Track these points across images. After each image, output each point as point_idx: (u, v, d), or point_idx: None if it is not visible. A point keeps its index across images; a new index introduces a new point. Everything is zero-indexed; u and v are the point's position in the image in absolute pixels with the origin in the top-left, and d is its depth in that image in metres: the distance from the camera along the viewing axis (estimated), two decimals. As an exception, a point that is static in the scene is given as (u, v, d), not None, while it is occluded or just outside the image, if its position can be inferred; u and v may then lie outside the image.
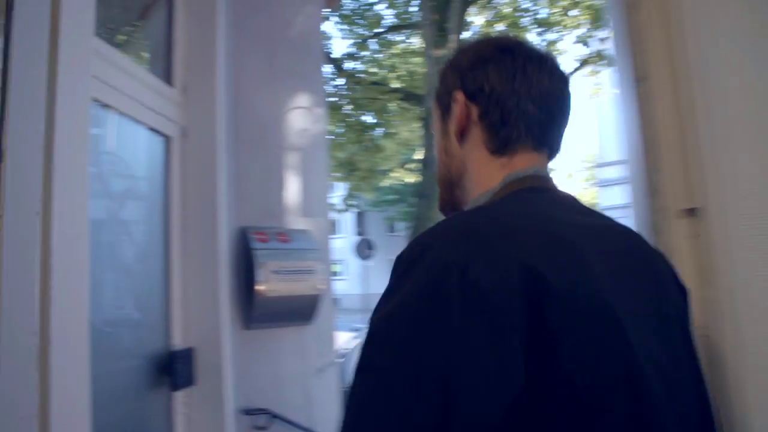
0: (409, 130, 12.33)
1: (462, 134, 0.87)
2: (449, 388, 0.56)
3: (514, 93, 0.82)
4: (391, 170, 14.34)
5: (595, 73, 11.68)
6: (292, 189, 2.72)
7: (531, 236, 0.67)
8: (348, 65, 10.74)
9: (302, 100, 2.88)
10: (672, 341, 0.74)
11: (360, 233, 11.70)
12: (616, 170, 17.69)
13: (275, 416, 2.34)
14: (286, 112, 2.77)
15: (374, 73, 10.98)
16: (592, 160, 28.68)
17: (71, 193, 1.08)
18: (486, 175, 0.84)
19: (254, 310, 2.41)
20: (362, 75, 10.67)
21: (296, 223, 2.68)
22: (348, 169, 10.66)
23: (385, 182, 15.72)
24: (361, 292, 24.03)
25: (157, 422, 2.01)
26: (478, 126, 0.85)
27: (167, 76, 2.22)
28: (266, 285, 2.44)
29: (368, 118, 10.95)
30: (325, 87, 3.19)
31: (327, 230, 2.86)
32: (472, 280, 0.59)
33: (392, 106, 11.10)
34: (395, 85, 10.71)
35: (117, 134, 1.94)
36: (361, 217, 11.61)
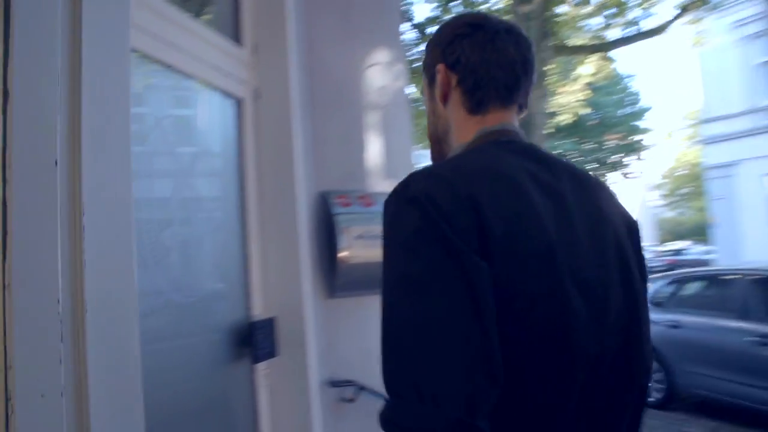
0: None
1: (445, 98, 1.06)
2: (462, 275, 0.77)
3: (484, 62, 1.00)
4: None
5: (696, 21, 10.69)
6: (374, 150, 2.57)
7: (479, 176, 0.85)
8: (431, 30, 10.40)
9: (380, 56, 2.71)
10: (606, 263, 0.90)
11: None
12: (724, 125, 16.30)
13: (362, 388, 2.23)
14: (363, 70, 2.61)
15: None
16: (695, 116, 26.70)
17: (104, 145, 0.98)
18: (464, 130, 1.02)
19: (338, 277, 2.30)
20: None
21: (379, 185, 2.54)
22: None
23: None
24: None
25: (239, 395, 1.96)
26: (457, 91, 1.03)
27: (236, 35, 2.12)
28: (349, 251, 2.32)
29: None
30: (403, 42, 3.00)
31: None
32: (438, 205, 0.80)
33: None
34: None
35: (183, 97, 1.87)
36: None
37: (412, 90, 10.88)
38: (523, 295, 0.80)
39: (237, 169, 2.07)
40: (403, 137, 2.72)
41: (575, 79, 12.13)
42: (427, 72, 1.10)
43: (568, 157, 23.68)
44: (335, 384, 2.24)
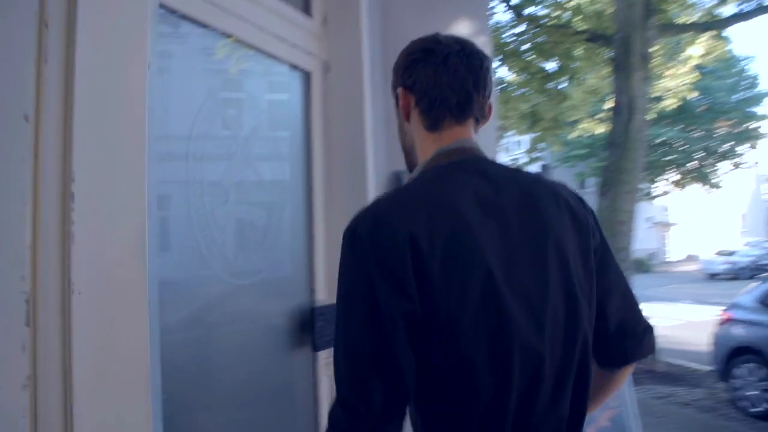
0: (598, 77, 11.22)
1: (407, 117, 1.14)
2: (376, 307, 0.91)
3: (436, 84, 1.08)
4: (579, 121, 13.26)
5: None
6: (451, 129, 2.39)
7: (420, 210, 0.96)
8: (529, 10, 9.97)
9: (462, 27, 2.51)
10: (544, 267, 0.99)
11: (544, 189, 10.90)
12: None
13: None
14: (442, 42, 2.43)
15: (557, 17, 10.07)
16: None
17: (104, 100, 0.87)
18: (425, 148, 1.11)
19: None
20: (545, 19, 9.84)
21: (457, 167, 2.36)
22: (531, 120, 10.00)
23: (573, 135, 14.61)
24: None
25: (299, 383, 1.86)
26: (416, 110, 1.12)
27: (305, 6, 2.00)
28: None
29: (551, 65, 10.18)
30: (497, 23, 2.76)
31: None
32: (378, 246, 0.93)
33: (578, 51, 10.15)
34: (581, 27, 9.74)
35: (248, 70, 1.77)
36: (546, 171, 10.86)
37: (504, 73, 10.53)
38: (463, 308, 0.92)
39: (303, 146, 1.95)
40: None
41: (683, 61, 11.27)
42: (393, 92, 1.21)
43: (673, 146, 22.38)
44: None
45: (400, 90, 1.15)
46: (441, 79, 1.08)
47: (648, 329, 1.18)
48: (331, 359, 2.02)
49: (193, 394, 1.36)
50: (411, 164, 1.21)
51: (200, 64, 1.56)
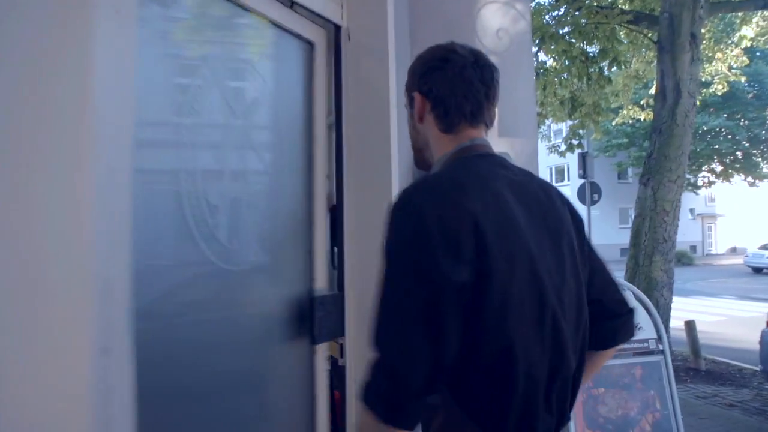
0: (642, 60, 10.77)
1: (421, 119, 1.25)
2: (434, 275, 0.97)
3: (452, 94, 1.19)
4: (620, 108, 12.81)
5: None
6: (486, 104, 2.19)
7: (473, 189, 1.06)
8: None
9: (499, 9, 2.30)
10: (558, 250, 1.13)
11: (584, 177, 10.56)
12: None
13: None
14: (477, 9, 2.22)
15: (600, -3, 9.66)
16: None
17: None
18: (441, 145, 1.22)
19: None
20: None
21: (497, 144, 2.15)
22: (570, 105, 9.63)
23: (615, 122, 14.16)
24: (585, 243, 22.56)
25: (295, 379, 1.71)
26: (431, 114, 1.22)
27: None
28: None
29: (593, 49, 9.76)
30: (538, 4, 2.54)
31: (533, 154, 2.29)
32: (443, 218, 0.99)
33: (621, 33, 9.72)
34: (625, 8, 9.31)
35: (252, 40, 1.60)
36: (585, 160, 10.49)
37: (543, 58, 10.16)
38: (513, 282, 1.01)
39: (305, 126, 1.79)
40: (525, 89, 2.31)
41: (735, 43, 10.75)
42: (407, 94, 1.29)
43: (718, 135, 21.57)
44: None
45: (416, 94, 1.23)
46: (456, 89, 1.18)
47: (631, 312, 1.29)
48: (347, 355, 1.91)
49: (175, 386, 1.24)
50: (422, 161, 1.31)
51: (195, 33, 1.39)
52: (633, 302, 3.04)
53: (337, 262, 1.92)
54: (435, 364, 0.95)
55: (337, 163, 1.96)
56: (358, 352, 1.86)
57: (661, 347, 2.93)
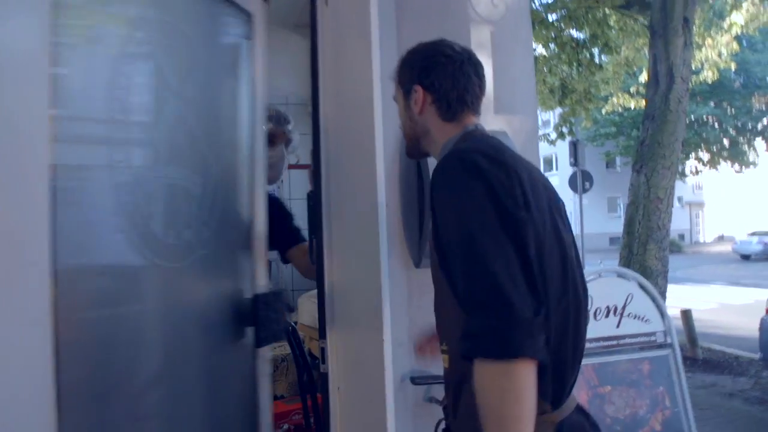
0: (633, 47, 10.61)
1: (421, 111, 1.35)
2: (511, 222, 1.07)
3: (454, 88, 1.31)
4: (610, 96, 12.67)
5: None
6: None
7: (508, 154, 1.19)
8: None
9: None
10: (564, 221, 1.23)
11: (575, 165, 10.40)
12: None
13: (456, 388, 1.70)
14: (469, -28, 2.01)
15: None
16: None
17: None
18: (445, 132, 1.33)
19: (426, 240, 1.77)
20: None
21: (489, 121, 1.94)
22: (561, 93, 9.48)
23: (605, 110, 14.01)
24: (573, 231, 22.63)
25: (237, 386, 1.54)
26: (432, 106, 1.34)
27: None
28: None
29: (583, 35, 9.60)
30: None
31: (533, 132, 2.09)
32: (500, 177, 1.10)
33: (611, 20, 9.56)
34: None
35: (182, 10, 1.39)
36: (576, 148, 10.31)
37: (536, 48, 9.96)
38: (545, 237, 1.12)
39: (249, 107, 1.59)
40: (523, 62, 2.10)
41: (725, 29, 10.59)
42: (402, 86, 1.39)
43: (705, 123, 21.56)
44: (419, 380, 1.72)
45: (417, 88, 1.33)
46: (458, 82, 1.31)
47: None
48: (333, 365, 1.70)
49: (97, 391, 1.11)
50: (416, 150, 1.42)
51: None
52: (638, 292, 2.88)
53: (315, 255, 1.72)
54: (532, 293, 1.03)
55: (314, 145, 1.75)
56: (343, 356, 1.65)
57: (669, 340, 2.74)
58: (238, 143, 1.56)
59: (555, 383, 1.12)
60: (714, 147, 22.90)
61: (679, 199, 32.26)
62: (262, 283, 1.58)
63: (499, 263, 1.02)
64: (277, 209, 2.06)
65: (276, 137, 2.18)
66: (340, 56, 1.68)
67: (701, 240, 35.37)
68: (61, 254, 0.94)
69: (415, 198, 1.81)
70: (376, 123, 1.61)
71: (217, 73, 1.51)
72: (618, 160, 26.04)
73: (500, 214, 1.06)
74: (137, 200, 1.13)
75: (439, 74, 1.31)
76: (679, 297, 10.60)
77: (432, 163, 1.91)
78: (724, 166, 24.04)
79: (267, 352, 1.60)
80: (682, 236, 31.68)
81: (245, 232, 1.56)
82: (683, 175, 24.68)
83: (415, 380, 1.71)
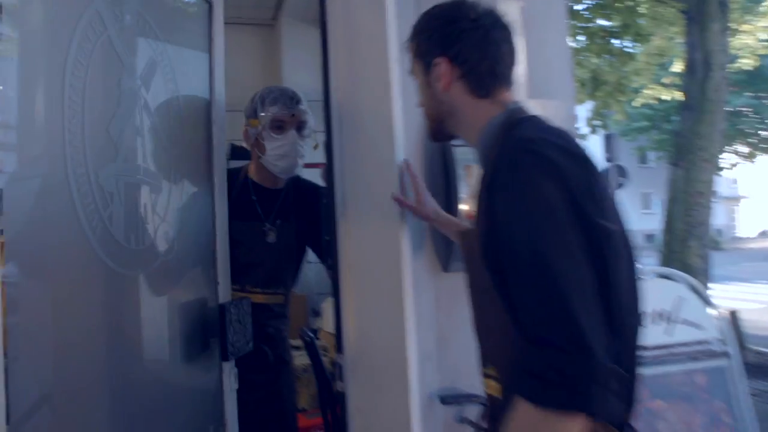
0: (665, 36, 10.28)
1: (447, 86, 1.14)
2: (590, 234, 0.90)
3: (484, 59, 1.11)
4: (642, 88, 12.30)
5: None
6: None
7: (575, 144, 1.00)
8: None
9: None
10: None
11: (609, 159, 10.07)
12: None
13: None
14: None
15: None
16: None
17: None
18: (480, 112, 1.12)
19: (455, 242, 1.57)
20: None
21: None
22: (592, 85, 9.19)
23: (637, 102, 13.63)
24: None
25: (202, 403, 1.42)
26: (461, 81, 1.13)
27: None
28: (473, 201, 1.58)
29: (612, 25, 9.32)
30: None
31: (571, 119, 1.88)
32: (578, 173, 0.93)
33: (643, 8, 9.26)
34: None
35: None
36: (609, 141, 9.98)
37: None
38: (616, 233, 0.96)
39: (204, 105, 1.47)
40: (559, 39, 1.89)
41: (763, 14, 10.16)
42: (421, 59, 1.17)
43: (742, 114, 20.93)
44: (449, 399, 1.53)
45: (441, 60, 1.13)
46: (487, 52, 1.11)
47: None
48: (350, 380, 1.52)
49: (45, 412, 0.97)
50: (441, 132, 1.23)
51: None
52: (687, 294, 2.63)
53: (330, 259, 1.54)
54: (606, 326, 0.88)
55: (326, 137, 1.56)
56: (362, 373, 1.46)
57: (726, 348, 2.49)
58: (197, 143, 1.45)
59: (628, 405, 0.99)
60: (753, 139, 22.24)
61: (714, 194, 31.50)
62: (227, 291, 1.46)
63: (575, 290, 0.85)
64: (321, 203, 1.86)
65: (284, 122, 1.90)
66: (352, 30, 1.50)
67: (739, 235, 34.43)
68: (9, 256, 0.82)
69: (442, 191, 1.62)
70: (394, 108, 1.43)
71: (178, 69, 1.38)
72: (651, 155, 25.48)
73: (580, 224, 0.89)
74: (95, 200, 0.97)
75: (466, 43, 1.10)
76: (721, 296, 10.20)
77: (461, 152, 1.71)
78: (761, 158, 23.35)
79: (232, 366, 1.46)
80: (719, 232, 30.88)
81: (209, 239, 1.44)
82: (719, 168, 24.03)
83: (445, 399, 1.52)
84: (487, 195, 0.97)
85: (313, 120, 1.96)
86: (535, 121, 1.07)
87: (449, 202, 1.60)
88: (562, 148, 0.95)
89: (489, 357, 1.09)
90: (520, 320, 0.89)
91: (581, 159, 0.96)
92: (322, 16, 1.55)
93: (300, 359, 2.68)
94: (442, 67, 1.12)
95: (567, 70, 1.95)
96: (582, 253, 0.88)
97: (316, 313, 3.73)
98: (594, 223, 0.90)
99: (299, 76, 3.67)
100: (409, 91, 1.56)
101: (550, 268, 0.86)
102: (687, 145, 6.82)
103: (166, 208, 1.23)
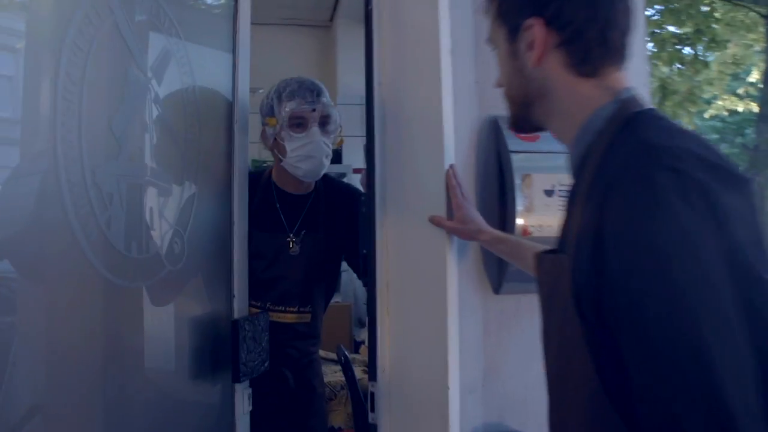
0: (741, 43, 9.82)
1: (540, 59, 0.86)
2: (744, 282, 0.65)
3: (593, 21, 0.82)
4: (715, 98, 11.81)
5: None
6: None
7: (721, 152, 0.76)
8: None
9: None
10: None
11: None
12: None
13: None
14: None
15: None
16: None
17: None
18: (581, 95, 0.85)
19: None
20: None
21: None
22: (661, 94, 8.84)
23: (707, 114, 13.13)
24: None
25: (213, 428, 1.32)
26: (558, 52, 0.85)
27: None
28: (532, 215, 1.43)
29: (685, 31, 8.97)
30: None
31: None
32: (732, 204, 0.67)
33: (718, 13, 8.86)
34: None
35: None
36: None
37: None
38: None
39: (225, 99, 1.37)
40: (636, 43, 1.69)
41: None
42: (505, 21, 0.89)
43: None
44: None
45: (534, 22, 0.84)
46: (598, 14, 0.82)
47: None
48: (383, 412, 1.36)
49: None
50: (525, 120, 0.94)
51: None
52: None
53: (365, 271, 1.40)
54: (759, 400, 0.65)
55: (367, 140, 1.43)
56: (398, 404, 1.31)
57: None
58: (214, 143, 1.36)
59: None
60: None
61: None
62: (244, 306, 1.35)
63: (729, 373, 0.61)
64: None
65: (305, 118, 1.67)
66: (400, 22, 1.37)
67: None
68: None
69: (495, 203, 1.46)
70: (444, 107, 1.28)
71: (196, 62, 1.28)
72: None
73: (736, 277, 0.65)
74: (90, 201, 0.86)
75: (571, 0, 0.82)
76: None
77: (519, 159, 1.55)
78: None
79: (246, 387, 1.35)
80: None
81: (224, 248, 1.33)
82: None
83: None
84: (594, 219, 0.71)
85: (338, 114, 1.76)
86: (660, 120, 0.81)
87: (504, 217, 1.44)
88: (712, 165, 0.70)
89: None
90: (639, 399, 0.67)
91: (739, 182, 0.70)
92: (367, 6, 1.42)
93: (335, 377, 2.55)
94: (535, 31, 0.84)
95: (642, 59, 1.75)
96: (743, 330, 0.64)
97: (362, 324, 3.61)
98: (752, 277, 0.66)
99: (354, 77, 3.59)
100: (462, 89, 1.42)
101: (697, 337, 0.63)
102: (764, 158, 6.44)
103: (176, 214, 1.12)
